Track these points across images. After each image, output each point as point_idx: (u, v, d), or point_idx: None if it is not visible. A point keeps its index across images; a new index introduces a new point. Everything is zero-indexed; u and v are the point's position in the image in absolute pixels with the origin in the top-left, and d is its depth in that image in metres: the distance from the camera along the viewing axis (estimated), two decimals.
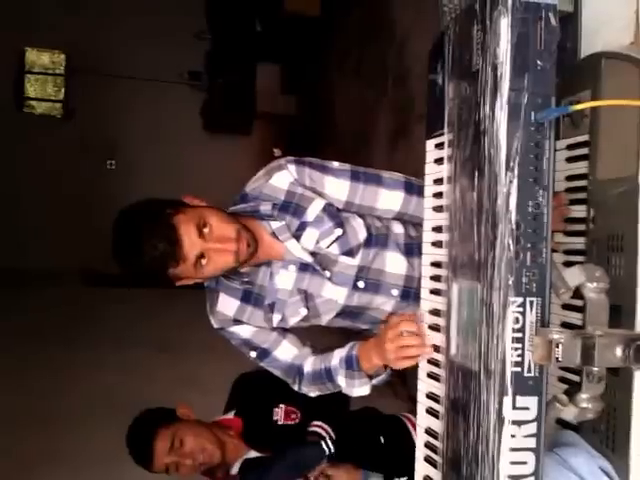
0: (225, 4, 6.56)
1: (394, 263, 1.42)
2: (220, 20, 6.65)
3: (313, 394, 1.46)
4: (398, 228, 1.45)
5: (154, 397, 1.96)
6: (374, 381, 1.35)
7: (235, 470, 1.72)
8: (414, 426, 1.73)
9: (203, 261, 1.23)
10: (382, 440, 1.75)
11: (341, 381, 1.35)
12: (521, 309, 0.82)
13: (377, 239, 1.42)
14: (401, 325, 1.15)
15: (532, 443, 0.83)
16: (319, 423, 1.70)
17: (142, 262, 1.21)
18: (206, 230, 1.22)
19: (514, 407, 0.82)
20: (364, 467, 1.66)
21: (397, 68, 4.24)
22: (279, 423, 1.75)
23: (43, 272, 5.31)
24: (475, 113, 0.88)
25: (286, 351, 1.44)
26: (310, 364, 1.44)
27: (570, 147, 1.13)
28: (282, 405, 1.78)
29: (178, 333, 4.23)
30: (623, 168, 0.98)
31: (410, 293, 1.39)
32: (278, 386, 1.74)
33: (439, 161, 1.05)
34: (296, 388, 1.46)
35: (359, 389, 1.35)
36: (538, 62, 0.83)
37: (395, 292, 1.41)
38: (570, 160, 1.15)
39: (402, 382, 3.32)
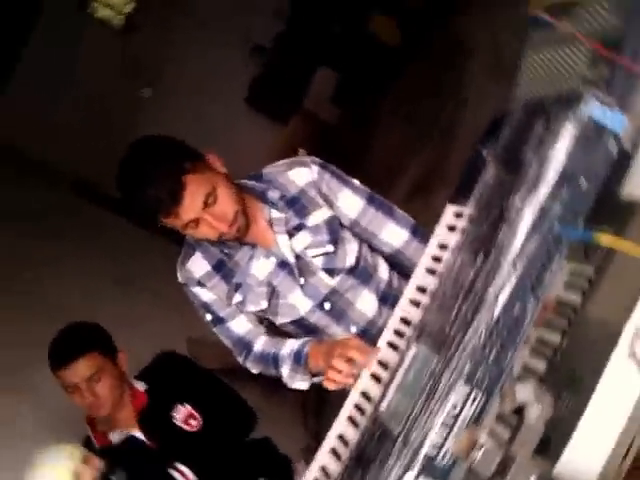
0: None
1: (366, 302, 1.42)
2: (303, 7, 6.66)
3: (255, 371, 1.46)
4: (384, 273, 1.46)
5: (91, 318, 1.84)
6: (315, 379, 1.34)
7: (115, 438, 1.63)
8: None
9: (192, 224, 1.23)
10: None
11: (284, 371, 1.35)
12: (464, 398, 0.81)
13: (361, 273, 1.42)
14: (353, 351, 1.14)
15: None
16: (182, 469, 1.60)
17: (138, 197, 1.20)
18: (210, 200, 1.22)
19: None
20: None
21: (448, 125, 4.27)
22: (175, 421, 1.66)
23: (40, 167, 5.23)
24: (505, 199, 0.88)
25: (241, 325, 1.44)
26: (261, 344, 1.44)
27: (572, 274, 1.13)
28: (187, 405, 1.69)
29: (138, 273, 4.17)
30: (613, 315, 0.98)
31: (367, 336, 1.38)
32: (196, 384, 1.71)
33: (452, 229, 1.05)
34: (241, 361, 1.46)
35: (299, 383, 1.35)
36: (583, 180, 0.83)
37: (354, 329, 1.42)
38: (566, 285, 1.16)
39: (316, 415, 3.30)
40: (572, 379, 0.98)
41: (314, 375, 1.33)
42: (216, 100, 6.56)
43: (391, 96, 5.97)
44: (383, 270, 1.47)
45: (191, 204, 1.19)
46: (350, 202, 1.39)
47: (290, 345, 1.36)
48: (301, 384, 1.35)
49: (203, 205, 1.21)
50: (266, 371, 1.43)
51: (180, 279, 1.43)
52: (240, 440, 1.71)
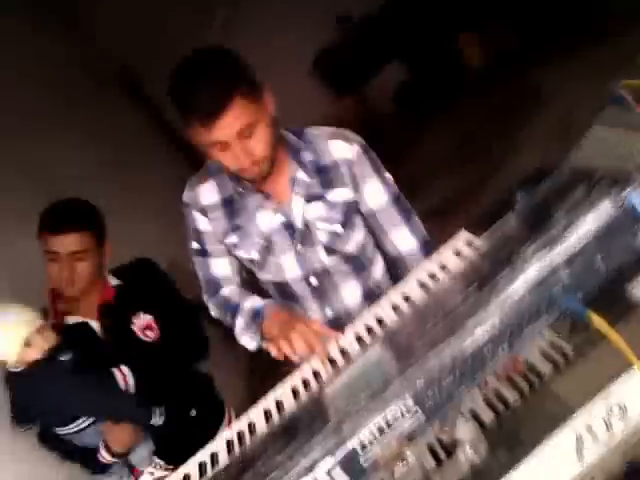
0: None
1: (350, 292, 1.43)
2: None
3: (214, 314, 1.48)
4: (378, 272, 1.47)
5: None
6: (264, 343, 1.35)
7: (70, 322, 1.62)
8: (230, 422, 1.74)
9: (219, 146, 1.20)
10: (193, 413, 1.75)
11: (239, 323, 1.37)
12: (406, 411, 0.82)
13: (357, 263, 1.42)
14: (312, 335, 1.14)
15: None
16: (125, 371, 1.59)
17: (187, 93, 1.15)
18: (247, 133, 1.19)
19: (328, 472, 0.82)
20: (153, 431, 1.62)
21: (493, 159, 4.26)
22: (132, 327, 1.65)
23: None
24: (519, 246, 0.88)
25: (221, 267, 1.45)
26: (229, 290, 1.45)
27: (552, 344, 1.14)
28: (149, 316, 1.67)
29: (146, 180, 4.13)
30: (573, 398, 1.00)
31: (338, 324, 1.40)
32: (164, 299, 1.72)
33: (457, 253, 1.05)
34: (205, 299, 1.48)
35: (247, 340, 1.36)
36: (599, 259, 0.83)
37: (329, 312, 1.43)
38: (541, 352, 1.17)
39: (261, 382, 3.34)
40: (513, 440, 1.01)
41: (264, 338, 1.33)
42: (285, 53, 6.48)
43: (449, 114, 5.92)
44: (378, 269, 1.48)
45: (229, 125, 1.15)
46: (375, 193, 1.39)
47: (253, 301, 1.37)
48: (249, 342, 1.36)
49: (238, 134, 1.17)
50: (224, 317, 1.44)
51: (184, 198, 1.43)
52: (186, 365, 1.73)
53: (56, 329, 1.45)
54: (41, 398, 1.43)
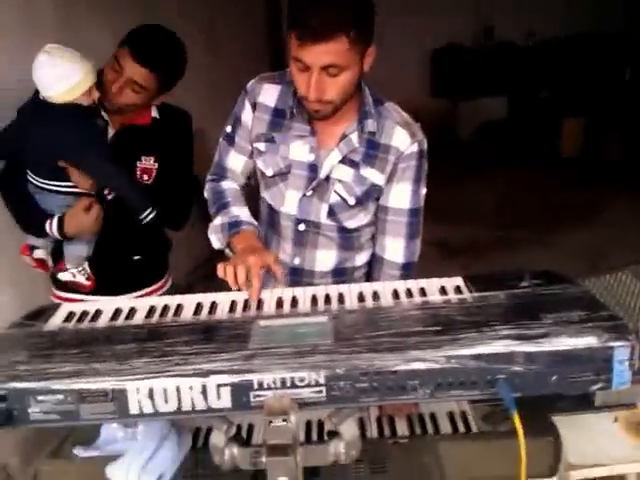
0: None
1: (325, 258, 1.48)
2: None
3: (206, 194, 1.51)
4: (359, 260, 1.52)
5: None
6: (226, 250, 1.39)
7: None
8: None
9: (302, 67, 1.21)
10: (135, 258, 1.80)
11: (216, 221, 1.41)
12: (313, 384, 0.84)
13: (347, 240, 1.47)
14: (258, 264, 1.17)
15: None
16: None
17: (302, 7, 1.18)
18: (332, 72, 1.21)
19: (217, 386, 0.84)
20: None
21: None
22: (137, 162, 1.69)
23: None
24: (498, 320, 0.90)
25: (237, 161, 1.48)
26: (229, 186, 1.48)
27: (461, 415, 1.19)
28: (155, 164, 1.70)
29: None
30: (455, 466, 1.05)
31: (297, 274, 1.48)
32: (179, 157, 1.74)
33: (443, 291, 1.07)
34: (207, 177, 1.52)
35: (214, 239, 1.41)
36: (558, 377, 0.85)
37: (296, 262, 1.48)
38: (450, 415, 1.23)
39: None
40: (380, 465, 1.08)
41: (227, 247, 1.38)
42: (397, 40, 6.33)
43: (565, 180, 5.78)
44: (362, 257, 1.52)
45: (320, 54, 1.17)
46: (400, 196, 1.40)
47: (241, 212, 1.40)
48: (215, 241, 1.40)
49: (323, 67, 1.19)
50: (210, 204, 1.47)
51: (248, 85, 1.43)
52: (161, 223, 1.76)
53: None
54: (57, 137, 1.52)
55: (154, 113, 1.71)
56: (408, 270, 1.44)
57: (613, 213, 4.86)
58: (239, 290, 1.13)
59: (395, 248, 1.44)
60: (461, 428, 1.19)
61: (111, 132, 1.66)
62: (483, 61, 6.87)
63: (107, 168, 1.56)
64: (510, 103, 6.95)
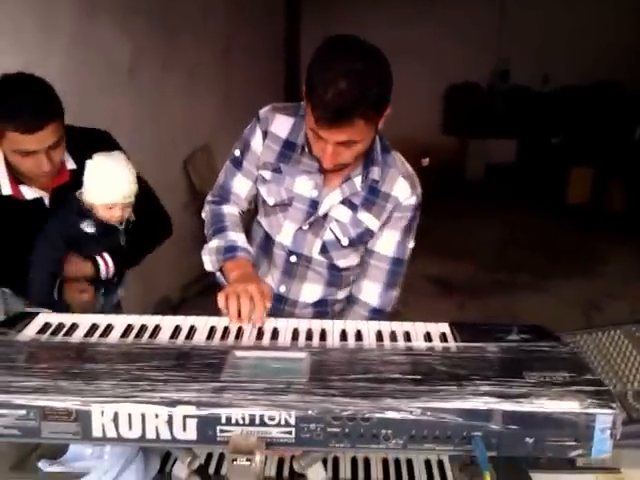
0: None
1: (310, 292, 1.50)
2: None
3: (203, 215, 1.51)
4: (341, 296, 1.53)
5: None
6: (217, 274, 1.41)
7: (27, 194, 1.59)
8: None
9: (317, 138, 1.25)
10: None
11: (212, 243, 1.40)
12: (283, 424, 0.82)
13: (334, 277, 1.49)
14: (247, 297, 1.15)
15: None
16: (106, 258, 1.62)
17: (319, 82, 1.18)
18: (349, 145, 1.24)
19: (184, 417, 0.82)
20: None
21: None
22: None
23: None
24: (477, 375, 0.87)
25: (242, 186, 1.48)
26: (230, 210, 1.49)
27: (438, 464, 1.16)
28: None
29: None
30: None
31: (279, 300, 1.47)
32: None
33: (428, 338, 1.05)
34: (208, 199, 1.52)
35: (206, 260, 1.41)
36: (531, 441, 0.83)
37: (282, 290, 1.49)
38: (426, 465, 1.19)
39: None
40: None
41: (219, 271, 1.39)
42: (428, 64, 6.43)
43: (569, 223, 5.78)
44: (345, 292, 1.53)
45: (337, 134, 1.20)
46: (387, 243, 1.43)
47: (238, 238, 1.39)
48: (207, 263, 1.40)
49: (340, 142, 1.22)
50: (207, 226, 1.47)
51: (261, 112, 1.44)
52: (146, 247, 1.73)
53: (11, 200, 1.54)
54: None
55: (70, 165, 1.62)
56: (378, 315, 1.44)
57: (613, 264, 4.84)
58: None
59: (371, 291, 1.46)
60: (437, 478, 1.16)
61: (47, 201, 1.61)
62: (497, 102, 6.94)
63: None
64: (520, 147, 6.99)
